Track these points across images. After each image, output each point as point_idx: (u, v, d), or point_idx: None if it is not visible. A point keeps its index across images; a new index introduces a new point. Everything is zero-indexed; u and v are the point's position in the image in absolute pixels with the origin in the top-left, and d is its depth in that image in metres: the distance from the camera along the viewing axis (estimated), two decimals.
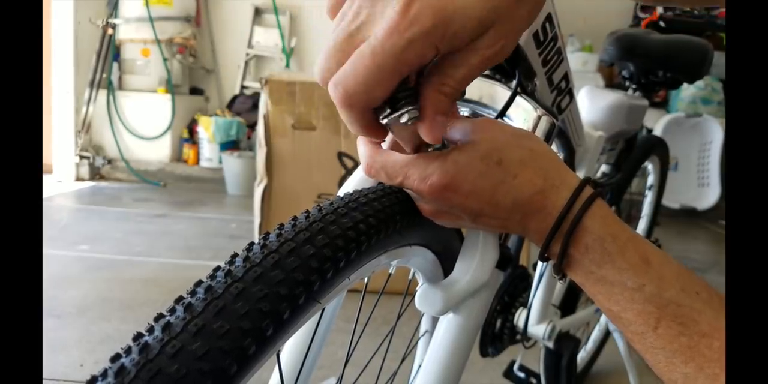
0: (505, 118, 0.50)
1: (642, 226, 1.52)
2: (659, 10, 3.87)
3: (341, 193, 0.42)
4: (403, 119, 0.35)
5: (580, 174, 0.95)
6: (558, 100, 0.69)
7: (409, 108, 0.35)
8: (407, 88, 0.35)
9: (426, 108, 0.36)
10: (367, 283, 0.50)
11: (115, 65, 4.06)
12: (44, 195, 3.32)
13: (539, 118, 0.49)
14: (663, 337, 0.36)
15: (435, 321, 0.55)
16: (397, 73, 0.32)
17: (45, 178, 3.71)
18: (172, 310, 0.28)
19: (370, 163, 0.42)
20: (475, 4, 0.32)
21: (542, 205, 0.40)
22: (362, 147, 0.43)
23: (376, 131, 0.38)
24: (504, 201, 0.39)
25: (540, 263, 1.04)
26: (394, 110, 0.35)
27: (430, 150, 0.42)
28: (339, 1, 0.35)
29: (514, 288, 1.00)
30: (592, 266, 0.39)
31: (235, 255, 0.32)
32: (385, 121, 0.36)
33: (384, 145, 0.43)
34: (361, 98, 0.33)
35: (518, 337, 1.05)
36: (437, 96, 0.35)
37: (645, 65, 1.16)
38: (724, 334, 0.34)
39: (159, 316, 0.28)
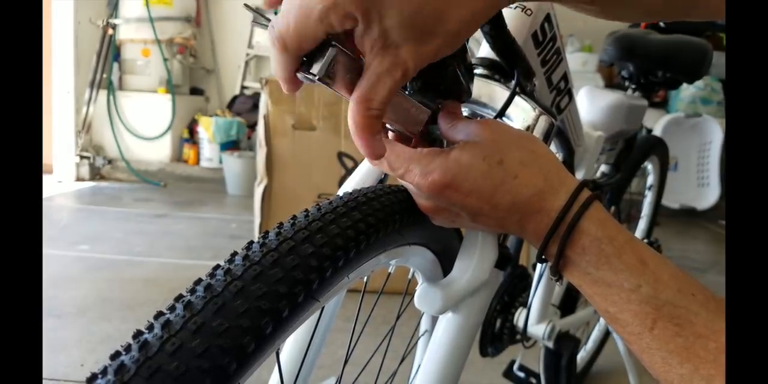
0: (504, 118, 0.50)
1: (642, 226, 1.52)
2: None
3: (341, 192, 0.42)
4: (313, 73, 0.35)
5: (580, 174, 0.95)
6: (557, 100, 0.69)
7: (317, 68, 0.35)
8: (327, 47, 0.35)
9: (358, 132, 0.36)
10: (366, 283, 0.50)
11: (116, 65, 4.07)
12: (44, 195, 3.32)
13: (538, 117, 0.49)
14: (659, 338, 0.36)
15: (434, 320, 0.55)
16: (322, 26, 0.33)
17: (45, 178, 3.71)
18: (172, 308, 0.28)
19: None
20: None
21: (540, 206, 0.40)
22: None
23: (292, 82, 0.37)
24: (503, 201, 0.40)
25: (539, 263, 1.04)
26: (307, 68, 0.36)
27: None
28: None
29: (513, 288, 1.00)
30: (588, 268, 0.39)
31: (235, 253, 0.32)
32: (299, 74, 0.36)
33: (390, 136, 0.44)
34: (290, 42, 0.34)
35: (518, 336, 1.05)
36: (367, 120, 0.36)
37: (644, 65, 1.16)
38: (719, 336, 0.34)
39: (159, 314, 0.28)
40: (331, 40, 0.34)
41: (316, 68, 0.35)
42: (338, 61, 0.35)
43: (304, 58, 0.35)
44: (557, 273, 0.41)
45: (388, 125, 0.45)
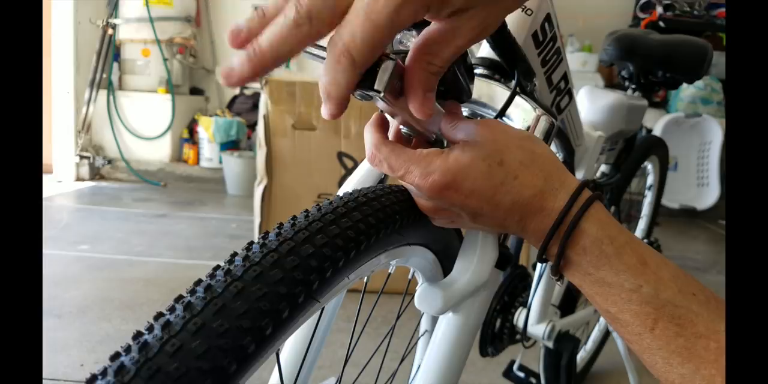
0: (504, 118, 0.50)
1: (641, 226, 1.52)
2: (659, 10, 3.87)
3: (341, 192, 0.42)
4: (378, 90, 0.34)
5: (580, 174, 0.95)
6: (557, 100, 0.69)
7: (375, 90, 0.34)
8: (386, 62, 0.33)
9: (414, 86, 0.35)
10: (366, 283, 0.50)
11: (115, 65, 4.06)
12: (44, 195, 3.32)
13: (538, 117, 0.49)
14: (660, 338, 0.36)
15: (435, 320, 0.55)
16: (393, 29, 0.31)
17: (45, 178, 3.71)
18: (172, 309, 0.28)
19: (374, 153, 0.42)
20: None
21: (541, 206, 0.40)
22: (369, 135, 0.43)
23: (343, 103, 0.35)
24: (503, 201, 0.40)
25: (539, 263, 1.04)
26: (370, 84, 0.34)
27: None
28: None
29: (513, 288, 1.00)
30: (589, 268, 0.39)
31: (235, 254, 0.32)
32: (357, 92, 0.35)
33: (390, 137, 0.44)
34: (366, 53, 0.31)
35: (518, 336, 1.05)
36: (425, 74, 0.35)
37: (644, 65, 1.16)
38: (720, 336, 0.34)
39: (159, 315, 0.28)
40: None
41: (379, 83, 0.33)
42: (393, 73, 0.33)
43: (365, 79, 0.33)
44: (558, 273, 0.41)
45: (402, 128, 0.45)
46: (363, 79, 0.33)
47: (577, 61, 3.90)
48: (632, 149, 1.21)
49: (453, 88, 0.43)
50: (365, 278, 0.45)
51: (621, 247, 0.38)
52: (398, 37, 0.41)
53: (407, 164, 0.41)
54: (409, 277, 0.56)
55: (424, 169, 0.40)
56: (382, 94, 0.33)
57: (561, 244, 0.39)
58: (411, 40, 0.41)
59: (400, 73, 0.34)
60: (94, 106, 3.99)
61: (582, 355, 1.50)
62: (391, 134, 0.45)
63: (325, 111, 0.34)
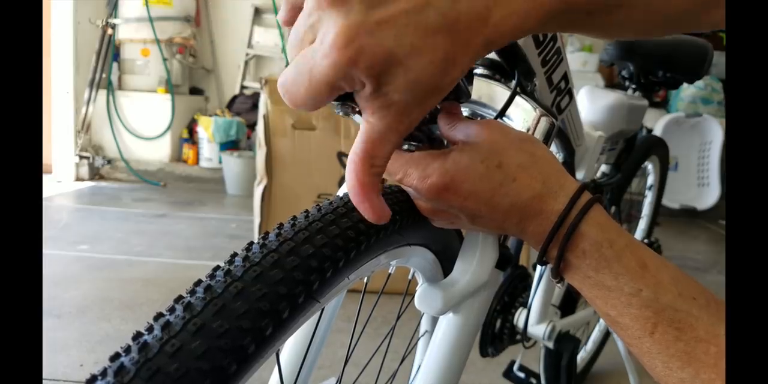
0: (504, 118, 0.50)
1: (642, 226, 1.52)
2: None
3: (341, 192, 0.42)
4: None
5: (580, 174, 0.95)
6: (557, 100, 0.69)
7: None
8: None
9: (360, 193, 0.34)
10: (366, 283, 0.50)
11: (115, 65, 4.06)
12: (44, 195, 3.32)
13: (539, 118, 0.49)
14: (660, 342, 0.36)
15: (435, 321, 0.55)
16: (329, 95, 0.32)
17: (45, 178, 3.71)
18: (172, 310, 0.28)
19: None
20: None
21: (540, 209, 0.40)
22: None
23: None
24: (502, 203, 0.40)
25: (539, 266, 1.04)
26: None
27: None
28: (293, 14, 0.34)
29: (513, 288, 1.00)
30: (589, 271, 0.39)
31: (235, 254, 0.32)
32: (335, 109, 0.35)
33: None
34: (301, 107, 0.33)
35: (518, 337, 1.05)
36: (370, 178, 0.34)
37: (645, 65, 1.16)
38: (720, 340, 0.34)
39: (158, 316, 0.28)
40: None
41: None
42: None
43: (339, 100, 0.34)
44: (558, 276, 0.41)
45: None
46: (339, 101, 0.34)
47: (577, 61, 3.91)
48: (632, 149, 1.21)
49: (453, 89, 0.43)
50: (365, 278, 0.45)
51: (621, 251, 0.38)
52: None
53: (405, 167, 0.40)
54: (409, 277, 0.56)
55: (422, 171, 0.40)
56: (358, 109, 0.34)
57: (560, 247, 0.39)
58: None
59: None
60: (94, 106, 3.99)
61: (582, 356, 1.50)
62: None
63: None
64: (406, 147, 0.45)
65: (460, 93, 0.43)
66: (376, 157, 0.34)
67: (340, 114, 0.36)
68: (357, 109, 0.34)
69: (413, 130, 0.38)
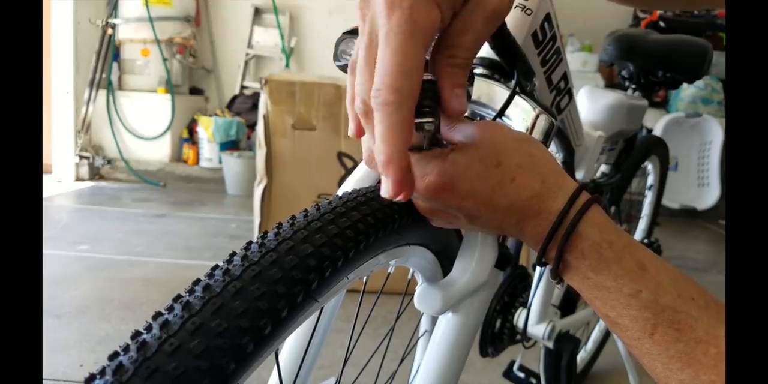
0: (504, 118, 0.50)
1: (642, 226, 1.52)
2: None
3: (340, 192, 0.42)
4: (424, 128, 0.35)
5: (580, 174, 0.95)
6: (557, 100, 0.69)
7: (428, 120, 0.35)
8: (429, 96, 0.34)
9: (443, 83, 0.35)
10: (366, 283, 0.50)
11: (115, 65, 4.06)
12: (44, 195, 3.32)
13: (538, 117, 0.49)
14: (659, 343, 0.36)
15: (434, 321, 0.55)
16: (418, 44, 0.32)
17: (45, 178, 3.71)
18: (170, 309, 0.28)
19: (371, 155, 0.42)
20: None
21: (538, 209, 0.40)
22: (365, 137, 0.43)
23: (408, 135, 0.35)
24: (500, 203, 0.39)
25: (538, 267, 1.04)
26: (417, 116, 0.34)
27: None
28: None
29: (513, 288, 1.00)
30: (588, 272, 0.39)
31: (234, 254, 0.32)
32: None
33: None
34: (404, 87, 0.32)
35: (518, 337, 1.05)
36: (450, 70, 0.35)
37: (645, 65, 1.16)
38: (720, 341, 0.34)
39: (157, 315, 0.28)
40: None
41: (424, 127, 0.34)
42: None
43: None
44: (557, 277, 0.41)
45: None
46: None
47: (577, 61, 3.90)
48: (632, 149, 1.21)
49: None
50: (364, 278, 0.45)
51: (620, 252, 0.38)
52: None
53: None
54: (409, 277, 0.56)
55: (420, 170, 0.40)
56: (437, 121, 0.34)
57: (559, 247, 0.39)
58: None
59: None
60: (94, 106, 3.99)
61: (582, 356, 1.50)
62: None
63: (386, 187, 0.34)
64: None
65: None
66: (457, 48, 0.35)
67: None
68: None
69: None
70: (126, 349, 0.26)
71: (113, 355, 0.26)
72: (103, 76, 3.97)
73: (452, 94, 0.36)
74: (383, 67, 0.32)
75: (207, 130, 3.90)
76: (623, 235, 0.39)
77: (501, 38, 0.47)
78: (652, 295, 0.37)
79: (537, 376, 1.22)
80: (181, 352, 0.26)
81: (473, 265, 0.48)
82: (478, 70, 0.54)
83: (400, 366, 0.61)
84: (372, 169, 0.43)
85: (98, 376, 0.25)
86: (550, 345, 1.07)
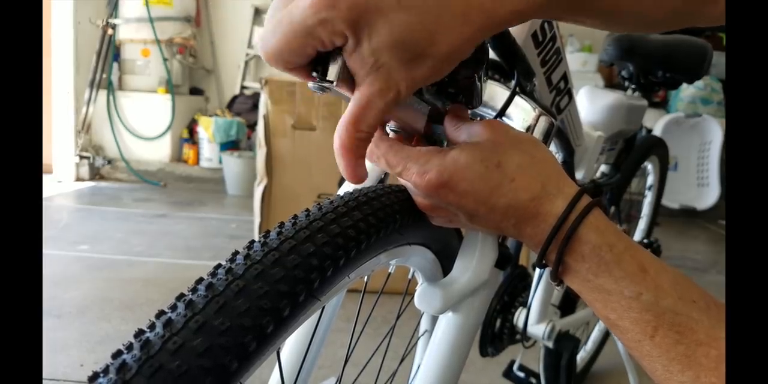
0: (504, 118, 0.50)
1: (641, 226, 1.53)
2: None
3: (341, 192, 0.42)
4: (330, 81, 0.34)
5: (579, 174, 0.95)
6: (557, 100, 0.69)
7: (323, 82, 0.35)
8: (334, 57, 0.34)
9: (344, 154, 0.36)
10: (366, 283, 0.50)
11: (115, 65, 4.07)
12: (44, 195, 3.32)
13: (538, 117, 0.49)
14: (660, 345, 0.36)
15: (434, 320, 0.55)
16: (308, 45, 0.32)
17: (45, 178, 3.71)
18: (174, 307, 0.28)
19: (372, 149, 0.42)
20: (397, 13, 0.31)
21: (537, 211, 0.40)
22: None
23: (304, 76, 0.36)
24: (499, 204, 0.40)
25: (538, 268, 1.04)
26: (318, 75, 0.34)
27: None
28: None
29: (513, 288, 1.00)
30: (588, 275, 0.39)
31: (236, 253, 0.32)
32: (310, 85, 0.35)
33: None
34: (278, 59, 0.33)
35: (518, 336, 1.05)
36: (354, 142, 0.35)
37: (644, 65, 1.17)
38: (721, 343, 0.34)
39: (160, 313, 0.28)
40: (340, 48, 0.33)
41: (331, 74, 0.33)
42: (344, 64, 0.34)
43: (317, 69, 0.34)
44: (557, 279, 0.41)
45: (389, 126, 0.45)
46: (317, 72, 0.34)
47: (577, 61, 3.91)
48: (632, 149, 1.21)
49: (466, 93, 0.43)
50: (365, 278, 0.46)
51: (620, 254, 0.38)
52: None
53: (405, 161, 0.41)
54: (409, 276, 0.56)
55: (421, 166, 0.40)
56: (335, 84, 0.34)
57: (559, 251, 0.39)
58: None
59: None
60: (94, 106, 3.99)
61: (582, 355, 1.50)
62: (391, 132, 0.45)
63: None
64: (392, 127, 0.45)
65: (473, 98, 0.44)
66: (361, 123, 0.34)
67: (318, 93, 0.36)
68: (329, 87, 0.34)
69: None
70: (129, 347, 0.26)
71: (116, 354, 0.26)
72: (104, 76, 3.98)
73: (355, 164, 0.36)
74: (275, 37, 0.32)
75: (207, 130, 3.90)
76: (623, 238, 0.39)
77: (501, 38, 0.47)
78: (652, 297, 0.37)
79: (537, 376, 1.22)
80: (185, 350, 0.26)
81: (473, 265, 0.48)
82: None
83: (401, 366, 0.61)
84: (372, 163, 0.43)
85: (102, 375, 0.25)
86: (550, 345, 1.07)
